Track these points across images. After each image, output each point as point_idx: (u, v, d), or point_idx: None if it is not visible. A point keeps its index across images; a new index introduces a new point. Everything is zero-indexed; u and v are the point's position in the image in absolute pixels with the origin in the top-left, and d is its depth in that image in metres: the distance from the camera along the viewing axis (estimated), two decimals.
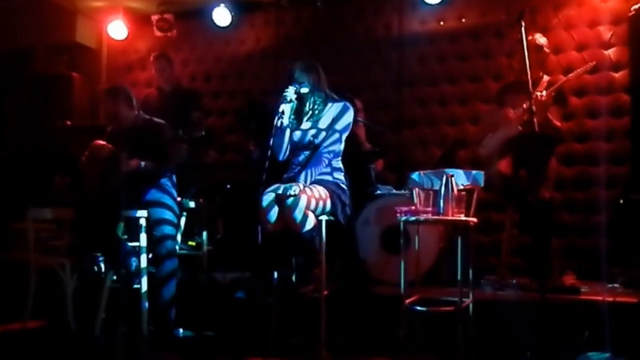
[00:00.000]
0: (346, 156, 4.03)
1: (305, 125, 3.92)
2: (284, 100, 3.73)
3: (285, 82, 3.88)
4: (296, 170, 3.89)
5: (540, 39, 4.65)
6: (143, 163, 4.32)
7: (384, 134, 5.56)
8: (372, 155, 5.27)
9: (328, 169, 3.88)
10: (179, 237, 5.16)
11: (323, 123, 3.88)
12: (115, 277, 4.45)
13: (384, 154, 5.50)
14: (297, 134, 3.91)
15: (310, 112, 3.92)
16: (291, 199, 3.55)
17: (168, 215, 4.40)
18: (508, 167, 4.57)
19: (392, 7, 6.33)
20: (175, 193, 4.53)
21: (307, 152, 3.91)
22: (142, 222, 4.32)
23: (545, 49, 4.66)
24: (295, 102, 3.82)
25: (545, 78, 4.63)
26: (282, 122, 3.76)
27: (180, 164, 4.64)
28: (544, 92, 4.39)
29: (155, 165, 4.38)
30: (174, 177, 4.56)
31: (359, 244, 4.82)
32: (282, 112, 3.74)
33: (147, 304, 4.29)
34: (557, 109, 4.54)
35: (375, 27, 6.41)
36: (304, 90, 3.83)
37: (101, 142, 4.44)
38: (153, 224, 4.33)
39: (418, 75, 6.19)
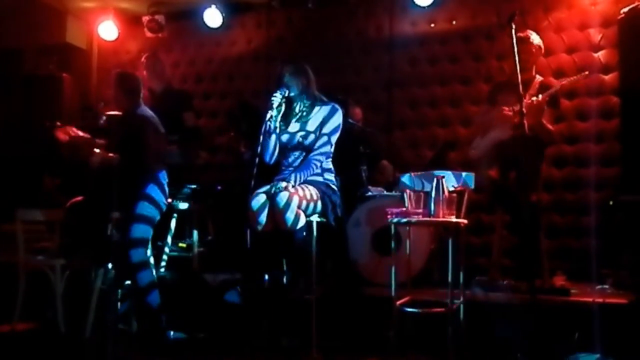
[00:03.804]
0: (338, 158, 4.03)
1: (294, 127, 3.92)
2: (272, 104, 3.73)
3: (274, 84, 3.88)
4: (286, 173, 3.89)
5: (534, 38, 4.62)
6: (111, 154, 4.23)
7: (375, 136, 5.57)
8: (364, 157, 5.27)
9: (319, 171, 3.89)
10: (168, 240, 5.15)
11: (312, 125, 3.90)
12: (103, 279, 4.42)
13: (376, 156, 5.51)
14: (286, 136, 3.91)
15: (299, 114, 3.93)
16: (280, 198, 3.55)
17: (150, 211, 4.24)
18: (497, 173, 4.57)
19: (384, 9, 6.35)
20: (164, 199, 4.43)
21: (296, 154, 3.91)
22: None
23: (532, 47, 4.62)
24: (284, 105, 3.82)
25: (538, 78, 4.62)
26: (270, 126, 3.76)
27: (171, 165, 4.60)
28: (540, 97, 4.39)
29: (127, 162, 4.24)
30: (164, 179, 4.47)
31: (350, 246, 4.82)
32: (271, 116, 3.74)
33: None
34: (549, 111, 4.55)
35: (366, 28, 6.42)
36: (293, 93, 3.83)
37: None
38: (132, 218, 4.20)
39: (409, 76, 6.20)
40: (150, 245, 4.39)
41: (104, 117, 5.85)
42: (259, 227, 3.66)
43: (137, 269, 4.18)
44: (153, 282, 4.23)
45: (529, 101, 4.34)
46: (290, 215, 3.56)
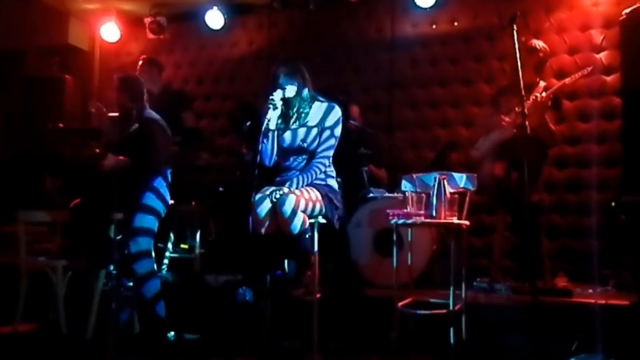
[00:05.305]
0: (339, 159, 4.02)
1: (293, 128, 3.86)
2: (269, 106, 3.69)
3: (270, 86, 3.84)
4: (289, 175, 3.86)
5: (536, 42, 4.65)
6: (122, 157, 4.24)
7: (376, 137, 5.57)
8: (365, 158, 5.27)
9: (322, 176, 3.85)
10: (170, 241, 5.15)
11: (312, 122, 3.81)
12: (106, 280, 4.42)
13: (377, 157, 5.51)
14: (286, 138, 3.84)
15: (297, 114, 3.86)
16: (282, 201, 3.53)
17: (150, 222, 4.21)
18: (501, 170, 4.58)
19: (385, 10, 6.35)
20: (168, 196, 4.44)
21: (298, 157, 3.87)
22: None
23: (540, 52, 4.64)
24: (282, 106, 3.78)
25: (542, 83, 4.62)
26: (268, 128, 3.73)
27: (172, 167, 4.59)
28: (543, 94, 4.40)
29: (132, 165, 4.24)
30: (169, 177, 4.46)
31: (352, 247, 4.82)
32: (269, 119, 3.70)
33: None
34: (551, 113, 4.56)
35: (367, 29, 6.42)
36: (290, 94, 3.78)
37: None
38: (132, 231, 4.16)
39: (410, 77, 6.21)
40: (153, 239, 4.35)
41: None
42: (263, 231, 3.64)
43: (136, 258, 4.13)
44: (152, 272, 4.19)
45: (533, 97, 4.36)
46: (297, 223, 3.53)
